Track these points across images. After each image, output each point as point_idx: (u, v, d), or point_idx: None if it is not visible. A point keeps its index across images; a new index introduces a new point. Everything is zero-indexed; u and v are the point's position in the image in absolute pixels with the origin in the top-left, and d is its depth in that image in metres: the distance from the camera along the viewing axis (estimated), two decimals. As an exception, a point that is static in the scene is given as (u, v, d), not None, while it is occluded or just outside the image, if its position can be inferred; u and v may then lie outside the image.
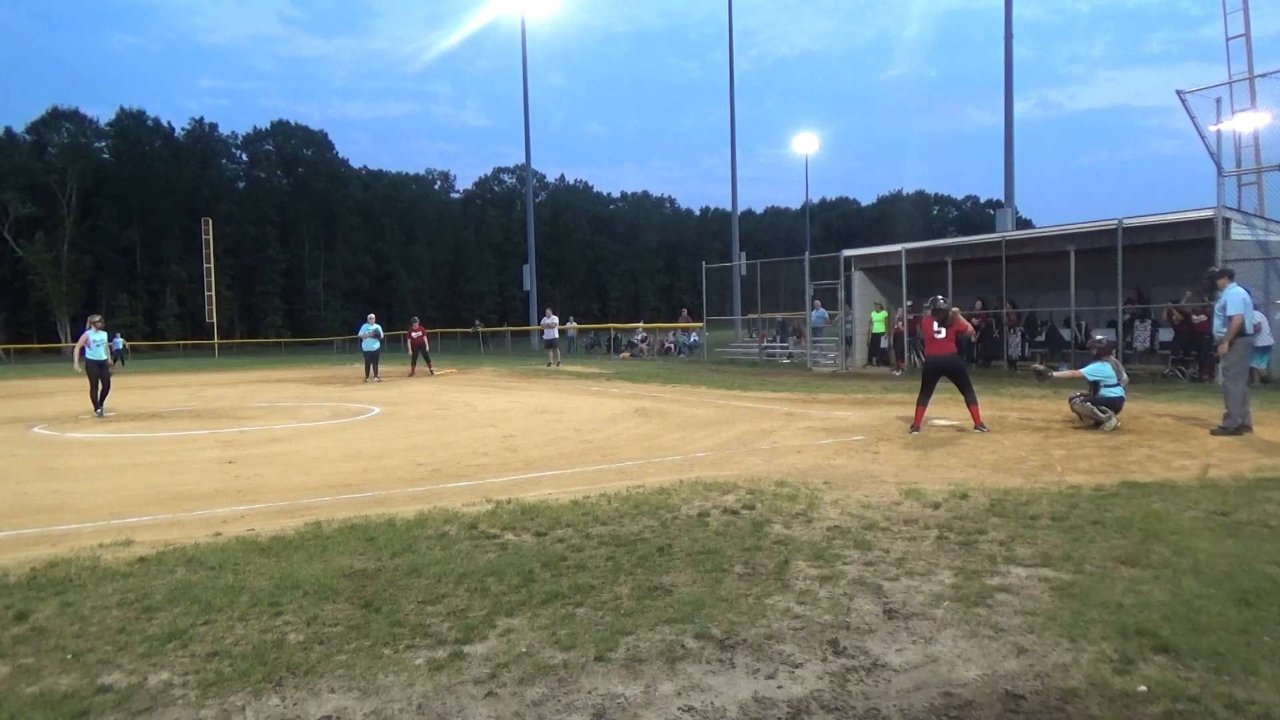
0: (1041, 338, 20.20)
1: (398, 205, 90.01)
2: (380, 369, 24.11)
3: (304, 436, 11.77)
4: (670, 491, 6.92)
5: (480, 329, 45.35)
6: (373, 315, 25.24)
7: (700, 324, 32.13)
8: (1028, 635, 3.71)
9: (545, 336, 30.38)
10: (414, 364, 25.83)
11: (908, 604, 4.16)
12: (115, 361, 41.99)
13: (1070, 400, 10.56)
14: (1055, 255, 18.26)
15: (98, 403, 15.14)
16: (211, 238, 56.59)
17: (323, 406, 16.34)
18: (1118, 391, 10.19)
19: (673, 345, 34.32)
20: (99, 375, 15.12)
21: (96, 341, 15.34)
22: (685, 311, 39.58)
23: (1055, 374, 11.75)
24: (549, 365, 27.99)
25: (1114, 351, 10.80)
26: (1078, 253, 17.37)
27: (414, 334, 25.94)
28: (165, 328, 68.89)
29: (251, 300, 76.62)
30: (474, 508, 6.46)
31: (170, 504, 7.06)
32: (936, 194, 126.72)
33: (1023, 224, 46.22)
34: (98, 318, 16.11)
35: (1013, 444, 9.08)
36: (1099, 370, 10.22)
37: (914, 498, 6.49)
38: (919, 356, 18.70)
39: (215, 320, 58.59)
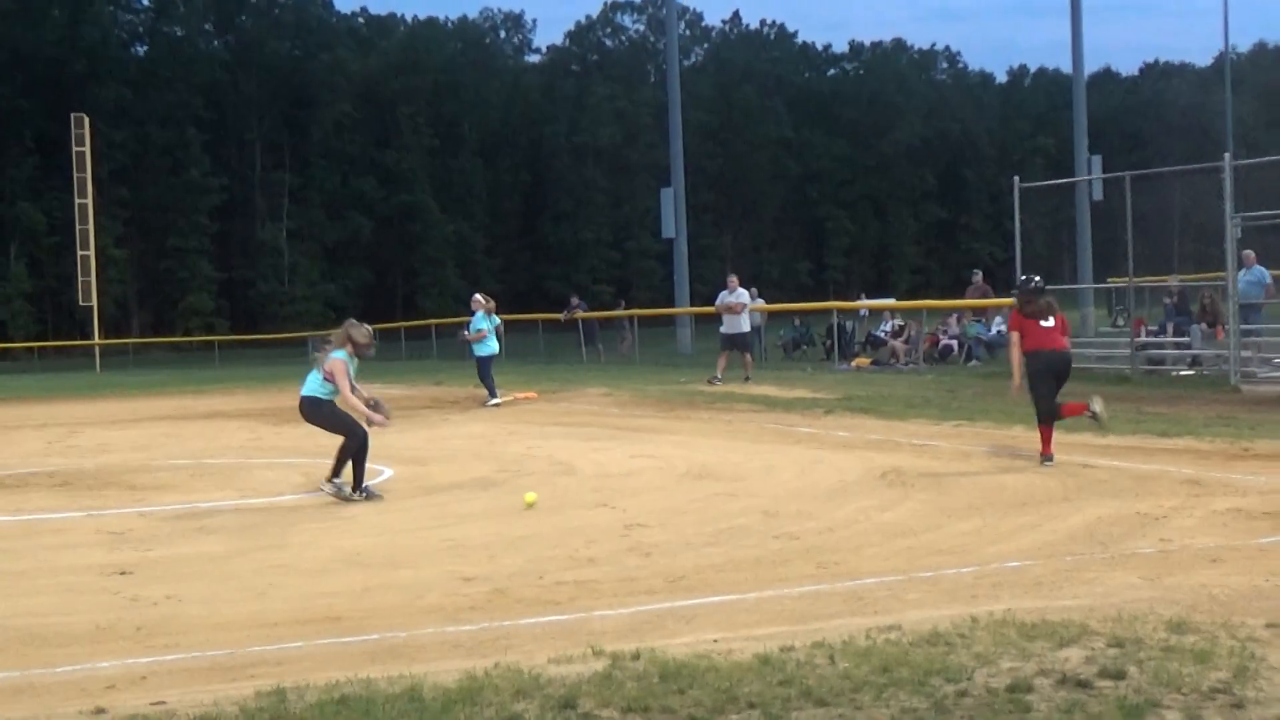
0: None
1: (424, 82, 55.52)
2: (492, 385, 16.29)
3: (255, 524, 8.11)
4: (953, 640, 4.29)
5: (580, 314, 29.54)
6: (479, 296, 16.99)
7: (1008, 300, 14.30)
8: None
9: (723, 329, 18.24)
10: None
11: None
12: None
13: None
14: None
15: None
16: (88, 150, 34.97)
17: (290, 465, 11.20)
18: None
19: (956, 342, 22.12)
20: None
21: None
22: (979, 275, 24.19)
23: None
24: (711, 383, 17.21)
25: None
26: None
27: None
28: (7, 319, 43.75)
29: (161, 266, 48.70)
30: (570, 667, 4.03)
31: (17, 653, 4.55)
32: None
33: None
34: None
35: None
36: None
37: None
38: None
39: (96, 304, 37.16)
